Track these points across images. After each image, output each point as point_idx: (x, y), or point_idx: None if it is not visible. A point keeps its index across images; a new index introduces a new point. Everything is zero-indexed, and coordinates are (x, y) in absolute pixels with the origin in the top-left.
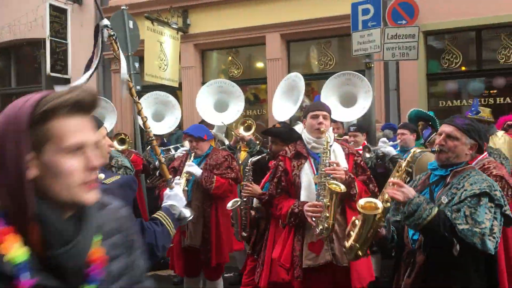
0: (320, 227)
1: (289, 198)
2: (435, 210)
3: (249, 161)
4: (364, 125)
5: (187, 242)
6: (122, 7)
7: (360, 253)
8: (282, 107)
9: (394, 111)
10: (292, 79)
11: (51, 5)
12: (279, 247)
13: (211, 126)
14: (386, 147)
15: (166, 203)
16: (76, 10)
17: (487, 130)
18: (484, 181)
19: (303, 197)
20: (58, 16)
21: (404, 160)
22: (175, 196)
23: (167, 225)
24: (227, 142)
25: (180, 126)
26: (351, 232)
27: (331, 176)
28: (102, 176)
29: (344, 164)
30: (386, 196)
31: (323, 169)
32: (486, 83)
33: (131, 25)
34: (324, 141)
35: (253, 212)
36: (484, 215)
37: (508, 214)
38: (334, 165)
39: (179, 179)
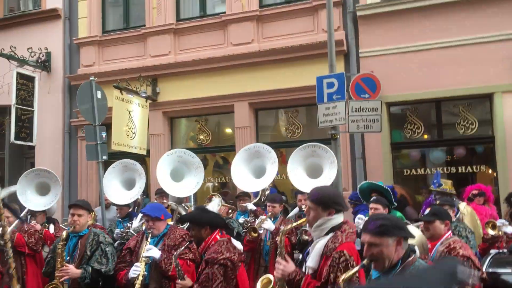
0: None
1: None
2: None
3: (174, 255)
4: (279, 196)
5: None
6: (90, 78)
7: None
8: (243, 176)
9: (360, 178)
10: (256, 149)
11: (18, 73)
12: None
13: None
14: (362, 223)
15: None
16: (44, 77)
17: (449, 201)
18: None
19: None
20: (25, 83)
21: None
22: None
23: None
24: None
25: (147, 194)
26: None
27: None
28: None
29: (311, 262)
30: None
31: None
32: (447, 152)
33: (99, 95)
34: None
35: None
36: None
37: None
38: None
39: (138, 267)
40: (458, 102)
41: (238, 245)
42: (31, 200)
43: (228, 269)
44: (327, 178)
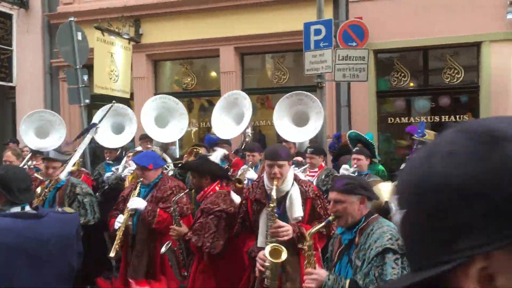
0: (266, 283)
1: (250, 237)
2: (347, 283)
3: (173, 201)
4: (321, 148)
5: (129, 275)
6: (69, 18)
7: None
8: (223, 124)
9: (345, 127)
10: (234, 97)
11: None
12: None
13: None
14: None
15: None
16: (22, 15)
17: None
18: (385, 234)
19: (259, 243)
20: (2, 21)
21: (305, 245)
22: None
23: None
24: (169, 160)
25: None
26: None
27: (276, 238)
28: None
29: (299, 211)
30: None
31: (268, 230)
32: (432, 101)
33: (79, 37)
34: (275, 191)
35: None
36: (391, 271)
37: None
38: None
39: (121, 218)
40: (445, 50)
41: (237, 198)
42: (34, 142)
43: (221, 221)
44: (312, 128)
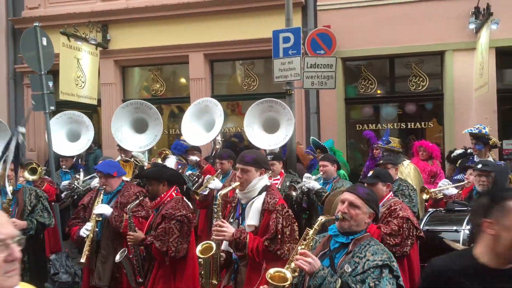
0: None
1: None
2: (339, 283)
3: (127, 209)
4: (280, 154)
5: (94, 281)
6: (34, 23)
7: None
8: (193, 131)
9: (314, 133)
10: (205, 104)
11: None
12: None
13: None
14: (309, 182)
15: None
16: None
17: (394, 159)
18: (384, 252)
19: (223, 245)
20: None
21: (312, 229)
22: None
23: None
24: (146, 163)
25: (99, 145)
26: None
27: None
28: None
29: (251, 220)
30: (293, 265)
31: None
32: (399, 108)
33: (44, 42)
34: (240, 194)
35: None
36: (386, 287)
37: (401, 285)
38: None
39: (88, 226)
40: (410, 58)
41: (189, 204)
42: None
43: (184, 225)
44: (283, 135)
